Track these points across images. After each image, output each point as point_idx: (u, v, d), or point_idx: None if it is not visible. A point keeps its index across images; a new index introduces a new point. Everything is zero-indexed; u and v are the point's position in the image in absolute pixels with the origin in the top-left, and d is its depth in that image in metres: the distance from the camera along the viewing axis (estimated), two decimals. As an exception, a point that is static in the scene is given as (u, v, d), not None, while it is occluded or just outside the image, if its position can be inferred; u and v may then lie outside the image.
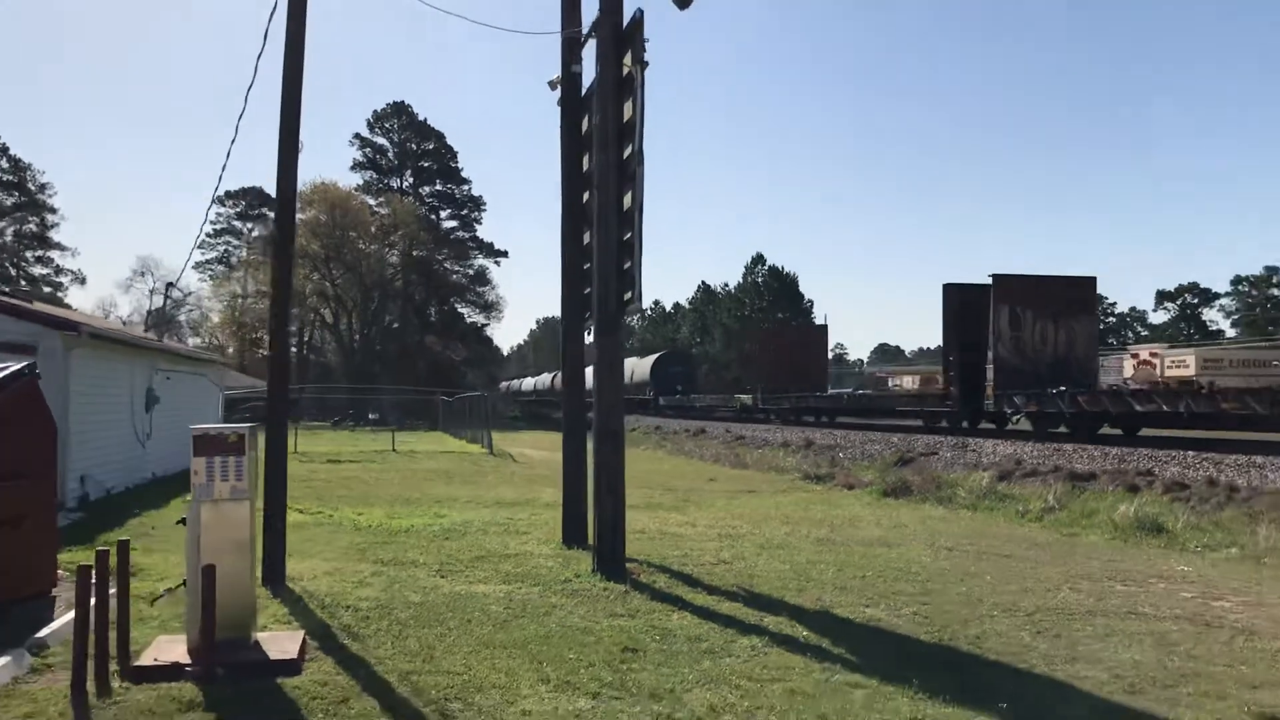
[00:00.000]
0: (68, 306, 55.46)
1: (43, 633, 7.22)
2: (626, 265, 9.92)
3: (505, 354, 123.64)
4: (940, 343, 28.31)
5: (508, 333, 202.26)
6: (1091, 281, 26.58)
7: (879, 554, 11.22)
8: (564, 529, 11.86)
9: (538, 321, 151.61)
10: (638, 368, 58.80)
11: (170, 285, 53.16)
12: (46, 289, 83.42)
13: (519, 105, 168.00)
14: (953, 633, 7.49)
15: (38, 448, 8.92)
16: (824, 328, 47.28)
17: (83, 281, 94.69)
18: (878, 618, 8.03)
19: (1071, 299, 25.55)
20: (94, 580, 6.13)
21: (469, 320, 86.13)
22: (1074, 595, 8.88)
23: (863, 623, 7.87)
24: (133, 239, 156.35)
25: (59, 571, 9.22)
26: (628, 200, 9.90)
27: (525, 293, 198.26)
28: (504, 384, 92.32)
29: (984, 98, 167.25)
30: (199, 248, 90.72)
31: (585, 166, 11.91)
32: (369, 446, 32.40)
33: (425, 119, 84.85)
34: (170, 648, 6.59)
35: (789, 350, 43.93)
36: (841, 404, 37.51)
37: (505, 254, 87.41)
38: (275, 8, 9.34)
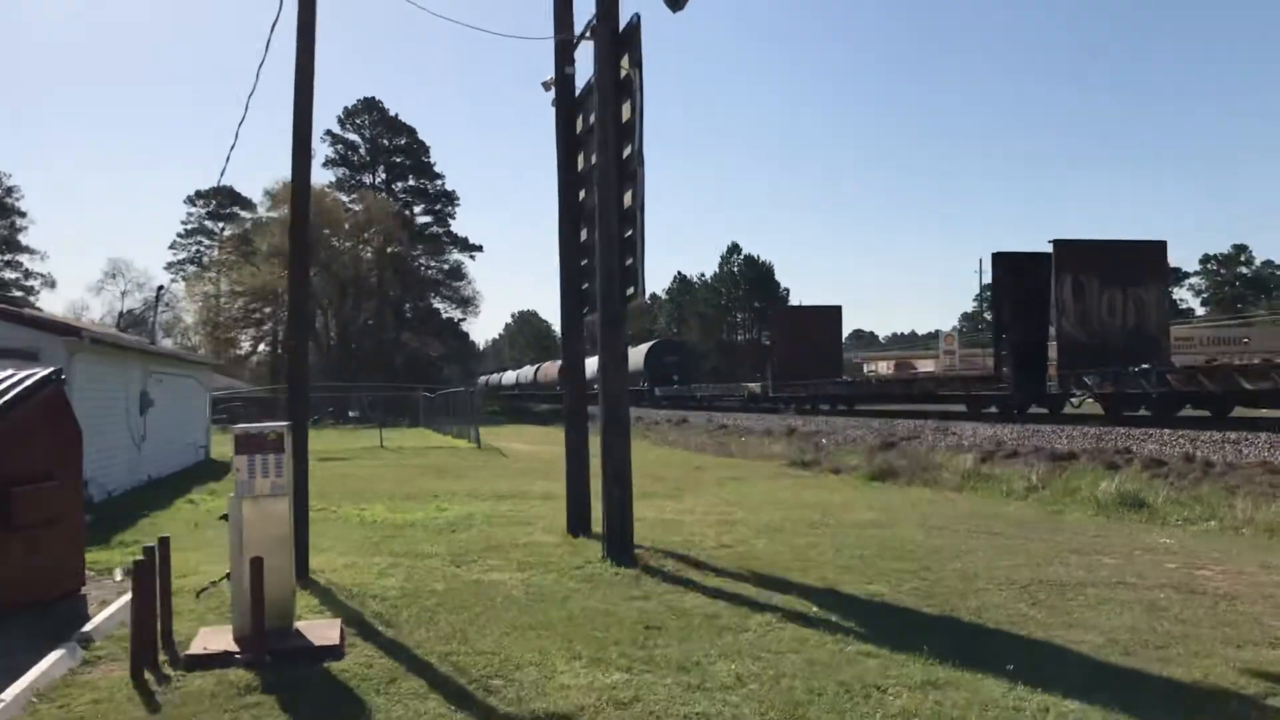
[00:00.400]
0: (39, 310, 55.14)
1: (87, 628, 7.50)
2: (629, 261, 10.27)
3: (480, 348, 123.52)
4: (908, 329, 27.98)
5: (482, 327, 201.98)
6: (1161, 246, 24.44)
7: (874, 535, 11.63)
8: (568, 518, 12.20)
9: (513, 315, 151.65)
10: (629, 358, 56.18)
11: (161, 289, 52.96)
12: (17, 293, 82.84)
13: (491, 100, 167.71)
14: (953, 605, 7.91)
15: (65, 452, 9.20)
16: (838, 309, 43.00)
17: (53, 285, 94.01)
18: (881, 593, 8.43)
19: (1140, 265, 23.43)
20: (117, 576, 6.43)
21: (445, 316, 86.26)
22: (1064, 568, 9.32)
23: (867, 599, 8.27)
24: (103, 241, 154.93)
25: (86, 571, 9.51)
26: (628, 198, 10.25)
27: (500, 287, 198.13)
28: (482, 378, 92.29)
29: (947, 84, 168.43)
30: (170, 248, 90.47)
31: (581, 166, 12.24)
32: (355, 444, 32.61)
33: (397, 114, 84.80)
34: (216, 638, 6.91)
35: (801, 334, 40.29)
36: (867, 390, 34.95)
37: (480, 248, 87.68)
38: (281, 8, 9.65)
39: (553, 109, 12.45)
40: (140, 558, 6.53)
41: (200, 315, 77.61)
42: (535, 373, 73.80)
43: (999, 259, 24.18)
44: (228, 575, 7.09)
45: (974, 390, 27.27)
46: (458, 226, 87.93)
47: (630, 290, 10.33)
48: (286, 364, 9.46)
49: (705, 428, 34.39)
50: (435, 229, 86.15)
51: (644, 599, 8.32)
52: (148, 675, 6.22)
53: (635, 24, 9.99)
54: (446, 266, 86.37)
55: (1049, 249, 23.35)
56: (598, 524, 11.63)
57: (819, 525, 12.58)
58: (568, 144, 12.26)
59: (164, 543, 7.15)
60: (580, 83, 12.20)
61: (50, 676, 6.28)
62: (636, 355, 54.79)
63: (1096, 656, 6.39)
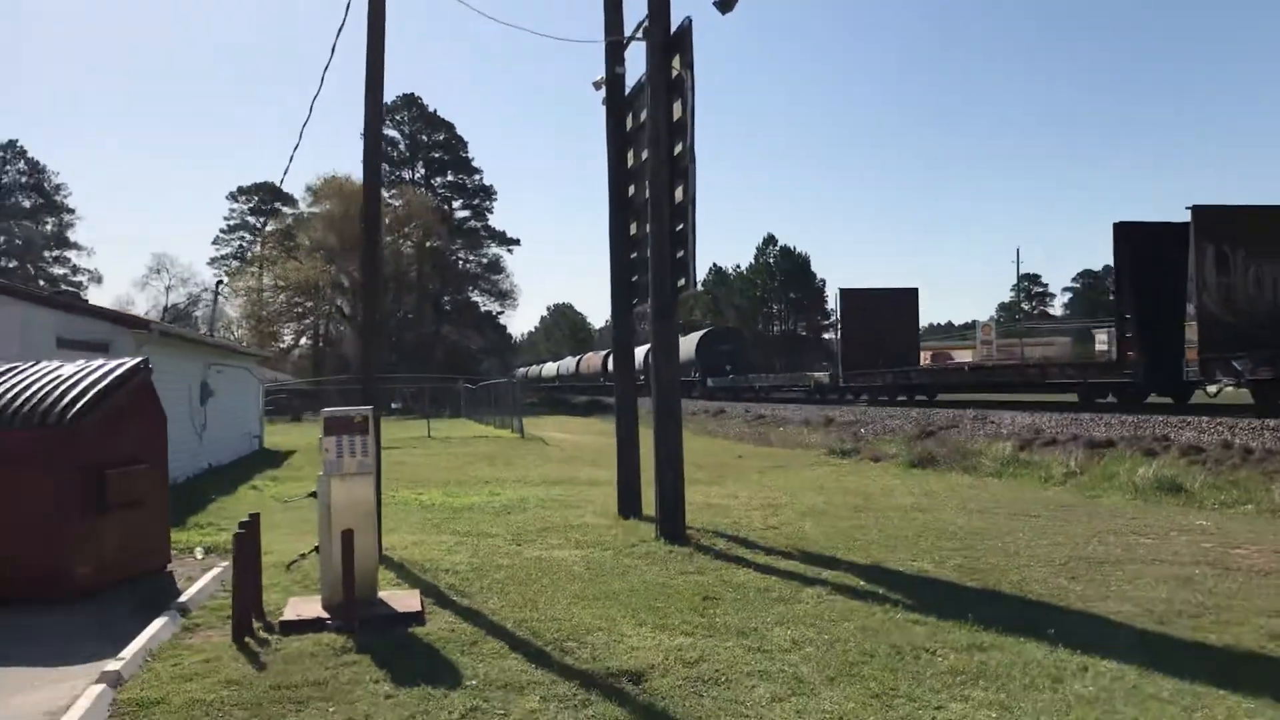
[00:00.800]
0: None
1: (182, 599, 8.09)
2: (680, 254, 10.71)
3: (516, 341, 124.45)
4: (944, 319, 25.68)
5: (519, 320, 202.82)
6: None
7: (915, 517, 12.02)
8: (619, 501, 12.68)
9: (549, 308, 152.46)
10: (680, 348, 51.24)
11: (220, 283, 54.11)
12: (66, 289, 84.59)
13: (528, 94, 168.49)
14: (996, 579, 8.31)
15: (152, 437, 9.81)
16: (914, 291, 38.92)
17: (99, 280, 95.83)
18: (925, 569, 8.84)
19: None
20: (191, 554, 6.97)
21: (483, 309, 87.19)
22: (1102, 547, 9.68)
23: (912, 574, 8.69)
24: (147, 237, 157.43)
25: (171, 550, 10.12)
26: (679, 194, 10.68)
27: (535, 280, 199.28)
28: (521, 370, 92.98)
29: (978, 72, 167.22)
30: (213, 244, 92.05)
31: (631, 162, 12.69)
32: (402, 434, 33.26)
33: (435, 110, 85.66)
34: (306, 606, 7.45)
35: (874, 319, 36.15)
36: (957, 379, 31.26)
37: (517, 242, 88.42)
38: (347, 13, 10.18)
39: (602, 107, 12.91)
40: (240, 531, 7.08)
41: (244, 309, 78.91)
42: (578, 364, 73.90)
43: (1121, 230, 21.70)
44: (315, 549, 7.62)
45: (1091, 378, 24.58)
46: (496, 220, 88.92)
47: (681, 282, 10.77)
48: (359, 355, 9.97)
49: (743, 418, 34.77)
50: (473, 223, 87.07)
51: (699, 574, 8.78)
52: (247, 639, 6.77)
53: (686, 26, 10.42)
54: (485, 260, 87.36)
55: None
56: (647, 507, 12.13)
57: (861, 509, 12.97)
58: (618, 141, 12.71)
59: (255, 519, 7.68)
60: (629, 82, 12.65)
61: (159, 640, 6.85)
62: (688, 344, 51.54)
63: (1132, 624, 6.77)
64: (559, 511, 13.09)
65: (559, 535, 11.04)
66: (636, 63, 12.29)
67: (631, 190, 12.71)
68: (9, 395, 8.69)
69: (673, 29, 10.75)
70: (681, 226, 10.67)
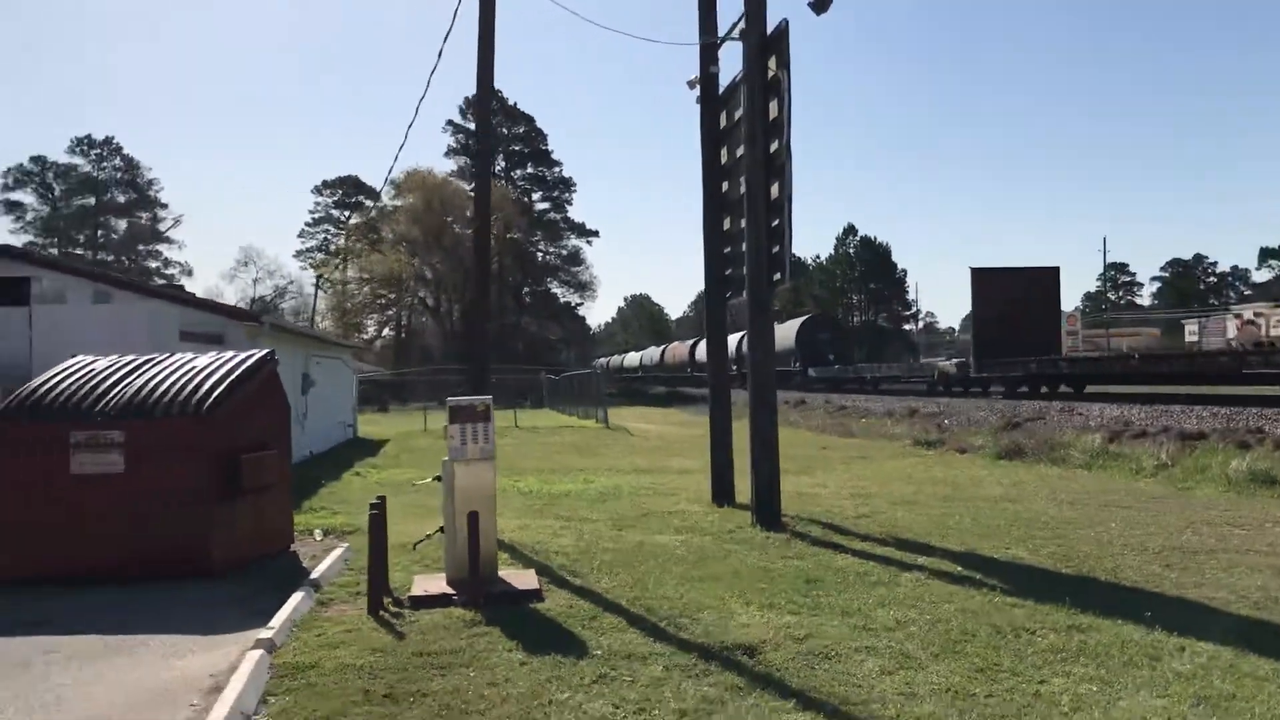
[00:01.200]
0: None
1: (314, 575, 8.66)
2: (775, 249, 11.04)
3: (594, 331, 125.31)
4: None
5: (596, 311, 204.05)
6: None
7: (1006, 507, 12.20)
8: (712, 490, 13.06)
9: (626, 299, 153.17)
10: (777, 336, 43.02)
11: (320, 277, 55.71)
12: (159, 281, 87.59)
13: (608, 89, 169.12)
14: (1090, 566, 8.52)
15: (278, 424, 10.45)
16: (1055, 270, 34.22)
17: (190, 273, 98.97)
18: (1020, 556, 9.08)
19: None
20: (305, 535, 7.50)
21: (562, 300, 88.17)
22: (1196, 537, 9.80)
23: (1007, 561, 8.93)
24: (236, 230, 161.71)
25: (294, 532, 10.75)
26: (775, 190, 11.00)
27: (612, 271, 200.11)
28: (601, 360, 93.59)
29: (1080, 69, 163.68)
30: (298, 237, 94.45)
31: (724, 159, 13.03)
32: (488, 423, 33.97)
33: (515, 103, 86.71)
34: (431, 583, 7.97)
35: (1010, 302, 32.16)
36: (1121, 368, 26.22)
37: (596, 234, 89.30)
38: (455, 18, 10.67)
39: (696, 105, 13.28)
40: (374, 512, 7.59)
41: (329, 301, 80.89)
42: (662, 353, 73.46)
43: None
44: (440, 530, 8.13)
45: None
46: (575, 212, 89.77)
47: (776, 276, 11.10)
48: (471, 348, 10.47)
49: (825, 409, 34.82)
50: (553, 215, 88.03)
51: (798, 558, 9.13)
52: (381, 612, 7.30)
53: (784, 28, 10.72)
54: (564, 252, 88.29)
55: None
56: (739, 495, 12.51)
57: (951, 499, 13.17)
58: (712, 138, 13.06)
59: (383, 502, 8.19)
60: (723, 82, 12.98)
61: (300, 612, 7.42)
62: (786, 332, 48.25)
63: (1227, 610, 6.96)
64: (653, 499, 13.51)
65: (657, 521, 11.46)
66: (729, 62, 12.61)
67: (725, 186, 13.05)
68: (150, 386, 9.36)
69: (769, 30, 11.05)
70: (777, 222, 10.99)
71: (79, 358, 10.27)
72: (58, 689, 5.89)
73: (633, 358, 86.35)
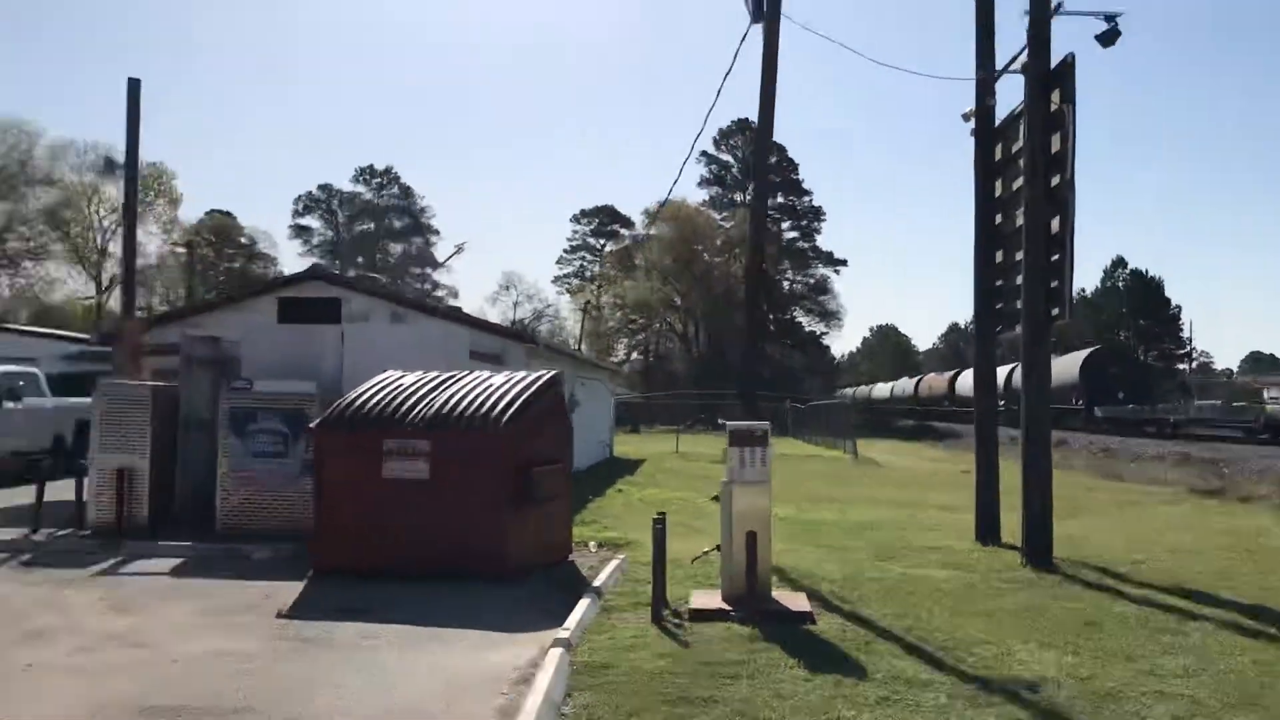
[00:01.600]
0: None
1: (596, 583, 9.22)
2: (1054, 284, 10.83)
3: (838, 361, 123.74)
4: None
5: (841, 340, 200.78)
6: None
7: (1300, 562, 11.40)
8: (978, 527, 12.83)
9: (871, 329, 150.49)
10: (1057, 369, 34.79)
11: (587, 303, 58.39)
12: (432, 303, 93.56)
13: (861, 116, 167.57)
14: (1407, 632, 7.90)
15: (562, 440, 11.16)
16: None
17: (455, 295, 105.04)
18: (1321, 615, 8.52)
19: None
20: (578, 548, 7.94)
21: (808, 329, 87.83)
22: None
23: (1306, 618, 8.40)
24: (498, 255, 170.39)
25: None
26: (1055, 224, 10.81)
27: (858, 300, 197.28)
28: (847, 390, 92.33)
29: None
30: (556, 263, 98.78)
31: (998, 192, 12.87)
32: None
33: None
34: (707, 598, 8.35)
35: None
36: None
37: (845, 263, 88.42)
38: (736, 59, 11.11)
39: (970, 138, 13.16)
40: (657, 527, 8.07)
41: (586, 325, 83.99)
42: (916, 385, 71.28)
43: None
44: (717, 547, 8.51)
45: None
46: (823, 240, 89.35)
47: (1055, 311, 10.88)
48: (740, 370, 10.84)
49: (1088, 449, 33.22)
50: (801, 244, 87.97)
51: (1072, 600, 8.93)
52: (664, 622, 7.73)
53: (1069, 62, 10.55)
54: (812, 280, 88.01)
55: None
56: (1006, 535, 12.26)
57: (1234, 549, 12.44)
58: (986, 171, 12.93)
59: (661, 518, 8.64)
60: (999, 114, 12.84)
61: (589, 617, 7.95)
62: (1068, 366, 42.60)
63: None
64: (914, 533, 13.43)
65: (920, 555, 11.43)
66: (1004, 94, 12.48)
67: (999, 219, 12.88)
68: (453, 401, 10.24)
69: (1053, 64, 10.90)
70: (1057, 257, 10.78)
71: (388, 373, 11.31)
72: (385, 670, 6.62)
73: (882, 388, 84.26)
